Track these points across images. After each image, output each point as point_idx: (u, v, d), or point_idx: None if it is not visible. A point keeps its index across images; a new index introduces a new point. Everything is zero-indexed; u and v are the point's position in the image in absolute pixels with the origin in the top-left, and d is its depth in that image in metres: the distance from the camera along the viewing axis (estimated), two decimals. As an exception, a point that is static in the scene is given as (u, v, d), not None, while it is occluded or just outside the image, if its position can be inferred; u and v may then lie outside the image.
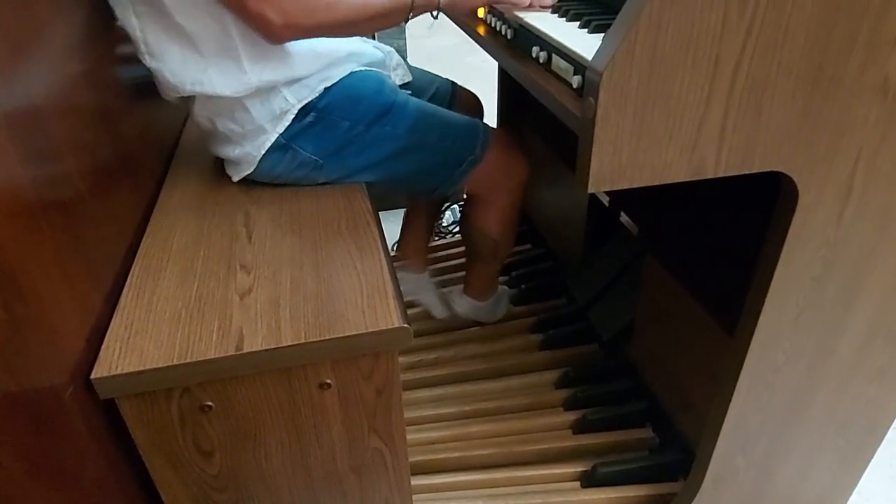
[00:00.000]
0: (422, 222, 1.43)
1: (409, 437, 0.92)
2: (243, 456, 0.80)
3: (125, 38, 0.93)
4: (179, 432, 0.75)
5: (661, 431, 1.22)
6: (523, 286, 1.64)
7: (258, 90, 0.94)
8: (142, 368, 0.69)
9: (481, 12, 1.00)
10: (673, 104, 0.57)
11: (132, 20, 0.90)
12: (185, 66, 0.91)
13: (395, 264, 1.42)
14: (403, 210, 1.49)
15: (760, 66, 0.57)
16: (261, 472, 0.82)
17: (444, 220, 2.03)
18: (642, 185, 0.62)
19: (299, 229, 0.93)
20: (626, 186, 0.61)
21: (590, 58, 0.60)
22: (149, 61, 0.92)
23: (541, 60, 0.76)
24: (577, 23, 0.81)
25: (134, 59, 0.94)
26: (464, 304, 1.43)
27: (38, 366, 0.61)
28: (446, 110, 1.12)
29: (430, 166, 1.08)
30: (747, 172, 0.63)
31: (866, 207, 0.71)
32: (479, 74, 2.81)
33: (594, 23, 0.78)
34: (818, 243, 0.73)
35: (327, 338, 0.73)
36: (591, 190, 0.61)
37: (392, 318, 0.75)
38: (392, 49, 1.17)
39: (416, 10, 0.93)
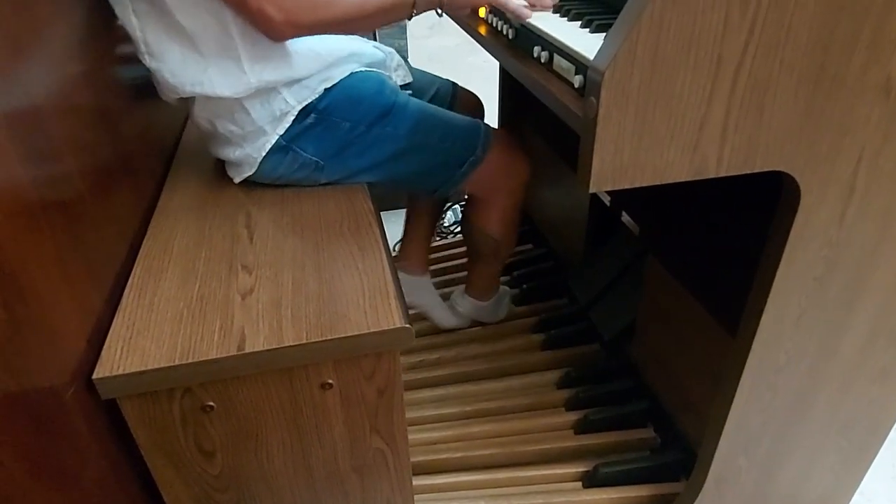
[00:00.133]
0: (423, 224, 1.42)
1: (410, 437, 0.92)
2: (245, 456, 0.80)
3: (125, 37, 0.93)
4: (181, 432, 0.75)
5: (663, 431, 1.22)
6: (525, 286, 1.64)
7: (258, 91, 0.94)
8: (143, 368, 0.69)
9: (483, 12, 1.00)
10: (675, 104, 0.57)
11: (132, 19, 0.90)
12: (185, 66, 0.91)
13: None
14: (402, 210, 1.48)
15: (762, 65, 0.57)
16: (262, 472, 0.82)
17: (445, 221, 2.03)
18: (644, 184, 0.62)
19: (301, 230, 0.93)
20: (627, 186, 0.61)
21: (591, 57, 0.59)
22: (149, 61, 0.92)
23: (542, 60, 0.76)
24: (579, 22, 0.81)
25: (134, 60, 0.94)
26: (466, 304, 1.43)
27: (39, 366, 0.61)
28: (447, 111, 1.12)
29: (431, 167, 1.08)
30: (749, 172, 0.63)
31: (869, 207, 0.71)
32: (481, 74, 2.81)
33: (596, 22, 0.78)
34: (820, 243, 0.72)
35: (329, 338, 0.73)
36: (592, 189, 0.61)
37: (394, 319, 0.75)
38: (393, 50, 1.17)
39: (418, 8, 0.92)
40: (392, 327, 0.74)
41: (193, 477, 0.80)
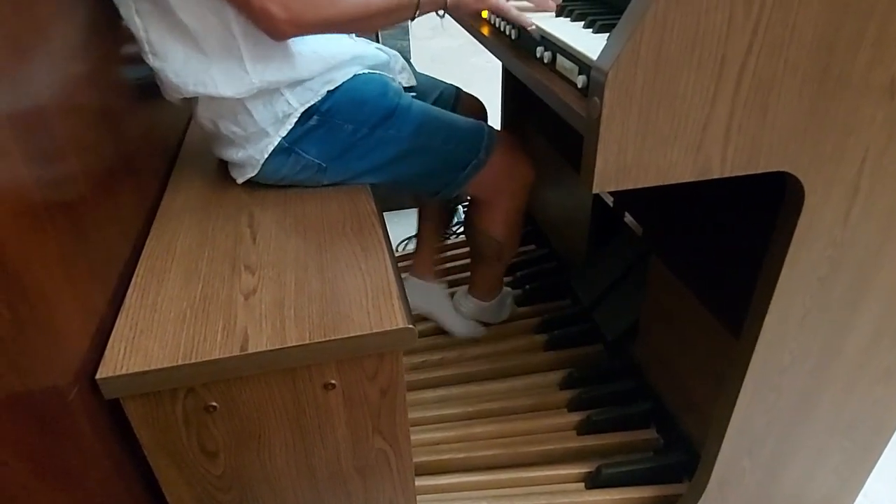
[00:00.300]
0: (432, 231, 1.42)
1: (413, 437, 0.92)
2: (248, 456, 0.80)
3: (128, 37, 0.93)
4: (184, 432, 0.75)
5: (666, 432, 1.21)
6: (527, 286, 1.64)
7: (260, 92, 0.94)
8: (146, 368, 0.69)
9: (485, 13, 1.00)
10: (678, 104, 0.57)
11: (135, 19, 0.90)
12: (188, 66, 0.91)
13: (408, 275, 1.43)
14: (405, 211, 1.48)
15: (766, 65, 0.56)
16: (265, 472, 0.82)
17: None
18: (647, 185, 0.62)
19: (304, 230, 0.93)
20: (630, 186, 0.61)
21: (594, 58, 0.59)
22: (152, 61, 0.92)
23: (545, 60, 0.76)
24: (582, 23, 0.81)
25: (137, 59, 0.94)
26: (469, 305, 1.43)
27: (42, 366, 0.61)
28: (450, 113, 1.11)
29: (434, 169, 1.08)
30: (753, 173, 0.63)
31: (873, 207, 0.70)
32: (483, 75, 2.81)
33: (599, 23, 0.78)
34: (824, 243, 0.72)
35: (332, 338, 0.73)
36: (595, 190, 0.61)
37: (397, 319, 0.75)
38: (397, 53, 1.17)
39: (422, 9, 0.92)
40: (395, 328, 0.74)
41: (196, 477, 0.80)
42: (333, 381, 0.77)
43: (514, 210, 1.21)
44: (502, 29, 0.92)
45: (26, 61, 0.67)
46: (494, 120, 1.44)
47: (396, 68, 1.15)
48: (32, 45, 0.69)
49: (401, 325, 0.74)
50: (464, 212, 1.70)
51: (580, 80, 0.66)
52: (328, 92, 0.98)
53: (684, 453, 1.15)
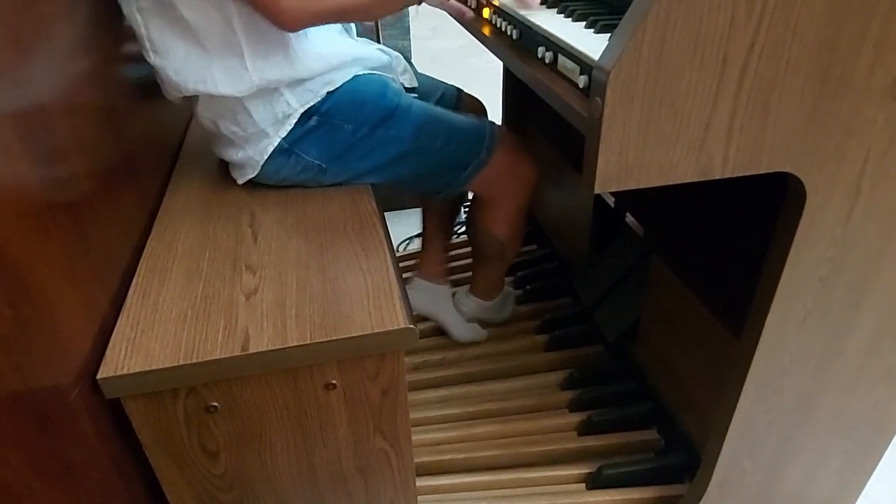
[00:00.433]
0: (438, 232, 1.41)
1: (414, 437, 0.92)
2: (248, 456, 0.80)
3: (130, 36, 0.93)
4: (185, 432, 0.75)
5: (667, 433, 1.21)
6: (528, 287, 1.64)
7: (259, 91, 0.94)
8: (148, 368, 0.69)
9: (486, 13, 1.00)
10: (680, 103, 0.57)
11: (136, 16, 0.90)
12: (189, 63, 0.91)
13: (414, 276, 1.42)
14: (406, 211, 1.48)
15: (768, 65, 0.56)
16: (266, 472, 0.82)
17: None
18: (649, 185, 0.62)
19: (305, 230, 0.93)
20: (632, 187, 0.61)
21: (596, 58, 0.59)
22: (153, 58, 0.92)
23: (546, 60, 0.76)
24: (583, 23, 0.81)
25: (139, 59, 0.94)
26: (470, 304, 1.43)
27: (44, 365, 0.61)
28: (452, 112, 1.11)
29: (435, 169, 1.08)
30: (755, 173, 0.63)
31: (875, 208, 0.70)
32: (483, 75, 2.81)
33: (600, 23, 0.78)
34: (826, 244, 0.72)
35: (333, 338, 0.73)
36: (597, 190, 0.61)
37: (398, 319, 0.75)
38: (399, 54, 1.17)
39: None
40: (396, 328, 0.74)
41: (197, 477, 0.80)
42: (334, 381, 0.77)
43: (517, 209, 1.21)
44: (503, 29, 0.92)
45: (28, 60, 0.67)
46: (495, 121, 1.44)
47: (399, 69, 1.15)
48: (34, 44, 0.70)
49: (402, 326, 0.74)
50: (465, 212, 1.70)
51: (582, 81, 0.66)
52: (328, 93, 0.98)
53: (685, 454, 1.14)
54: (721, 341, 1.01)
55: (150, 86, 0.99)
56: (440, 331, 1.48)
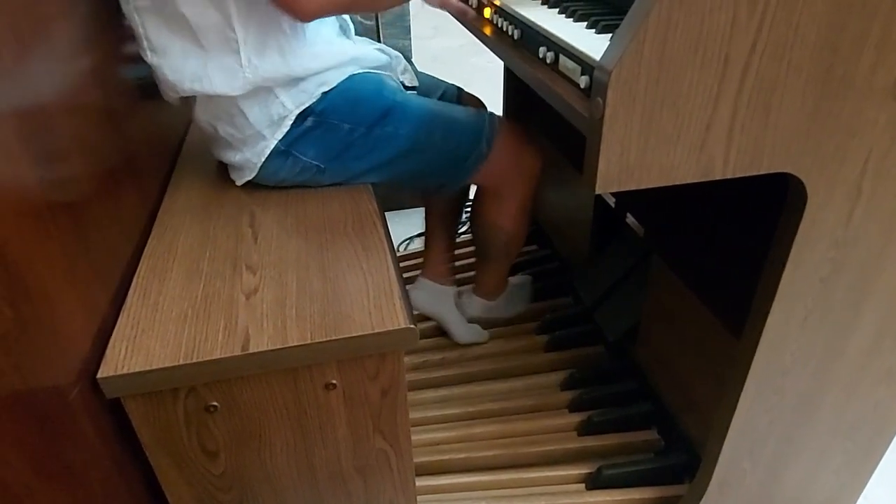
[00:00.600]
0: (441, 230, 1.39)
1: (414, 437, 0.92)
2: (248, 456, 0.80)
3: (130, 36, 0.93)
4: (185, 432, 0.75)
5: (667, 434, 1.21)
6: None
7: (254, 91, 0.93)
8: (148, 368, 0.69)
9: (488, 12, 1.00)
10: (681, 104, 0.57)
11: (134, 15, 0.90)
12: (186, 62, 0.91)
13: (419, 276, 1.42)
14: (407, 211, 1.47)
15: (770, 66, 0.56)
16: (265, 472, 0.82)
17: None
18: (650, 186, 0.62)
19: (305, 230, 0.93)
20: (633, 187, 0.61)
21: (597, 58, 0.59)
22: (150, 57, 0.92)
23: (548, 61, 0.76)
24: (585, 23, 0.81)
25: (139, 59, 0.94)
26: (474, 305, 1.42)
27: (44, 365, 0.61)
28: (449, 105, 1.10)
29: (436, 164, 1.07)
30: (756, 174, 0.63)
31: (875, 209, 0.70)
32: (484, 75, 2.81)
33: (602, 23, 0.78)
34: (827, 245, 0.72)
35: (333, 338, 0.73)
36: (598, 191, 0.61)
37: (398, 319, 0.75)
38: (399, 54, 1.17)
39: None
40: (396, 328, 0.74)
41: (197, 477, 0.80)
42: (334, 381, 0.76)
43: (522, 200, 1.19)
44: (504, 29, 0.92)
45: (29, 59, 0.67)
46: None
47: (399, 69, 1.15)
48: (35, 44, 0.69)
49: (402, 326, 0.74)
50: (467, 211, 1.70)
51: (583, 81, 0.66)
52: (323, 93, 0.97)
53: (685, 454, 1.14)
54: (721, 341, 1.01)
55: (151, 86, 0.99)
56: (441, 331, 1.48)
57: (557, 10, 0.89)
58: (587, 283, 1.54)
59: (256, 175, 1.02)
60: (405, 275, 1.63)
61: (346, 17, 1.10)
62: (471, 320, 1.46)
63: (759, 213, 0.89)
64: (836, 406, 0.92)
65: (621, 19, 0.56)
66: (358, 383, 0.78)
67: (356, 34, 1.14)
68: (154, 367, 0.69)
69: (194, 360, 0.70)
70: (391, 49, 1.15)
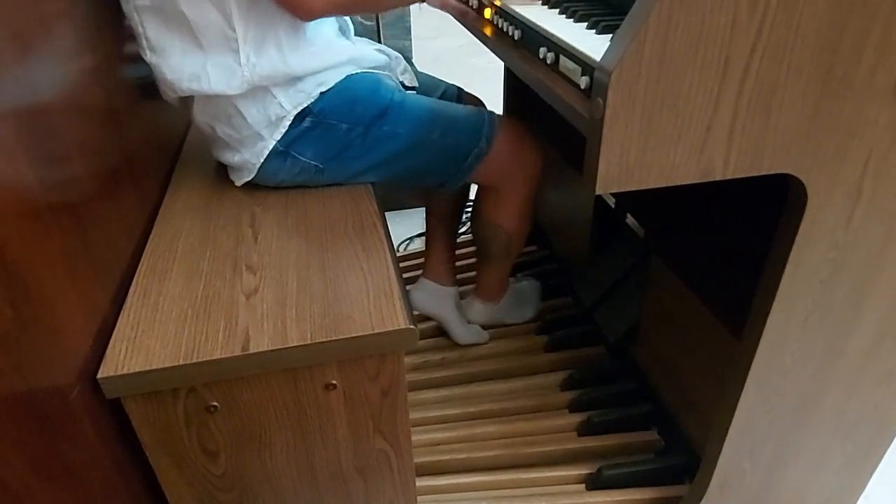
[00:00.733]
0: (442, 230, 1.39)
1: (414, 438, 0.92)
2: (248, 456, 0.80)
3: (131, 35, 0.93)
4: (185, 432, 0.75)
5: (667, 434, 1.21)
6: (519, 275, 1.63)
7: (252, 91, 0.93)
8: (148, 368, 0.69)
9: (488, 13, 1.00)
10: (682, 105, 0.57)
11: (133, 14, 0.91)
12: (184, 61, 0.91)
13: (421, 276, 1.42)
14: (407, 211, 1.46)
15: (770, 67, 0.56)
16: (266, 472, 0.82)
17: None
18: (650, 186, 0.62)
19: (305, 230, 0.93)
20: (633, 188, 0.61)
21: (598, 58, 0.59)
22: (149, 56, 0.93)
23: (548, 61, 0.76)
24: (585, 24, 0.81)
25: (140, 59, 0.94)
26: (476, 311, 1.41)
27: (44, 365, 0.61)
28: (447, 103, 1.09)
29: (435, 162, 1.07)
30: (756, 174, 0.63)
31: (876, 210, 0.70)
32: (484, 75, 2.81)
33: (602, 24, 0.78)
34: (827, 245, 0.72)
35: (333, 338, 0.73)
36: (598, 191, 0.61)
37: (398, 319, 0.75)
38: (399, 55, 1.17)
39: None
40: (396, 328, 0.74)
41: (197, 477, 0.80)
42: (334, 382, 0.76)
43: (524, 198, 1.18)
44: (505, 29, 0.92)
45: (29, 59, 0.67)
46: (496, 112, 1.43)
47: (399, 70, 1.15)
48: (36, 43, 0.69)
49: (402, 326, 0.74)
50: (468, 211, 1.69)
51: (583, 81, 0.66)
52: (321, 93, 0.97)
53: (685, 455, 1.14)
54: (721, 342, 1.01)
55: (152, 86, 0.99)
56: (441, 331, 1.48)
57: (558, 10, 0.89)
58: (587, 283, 1.54)
59: (255, 176, 1.02)
60: (405, 275, 1.63)
61: (346, 17, 1.10)
62: (483, 326, 1.45)
63: (760, 213, 0.89)
64: (836, 406, 0.92)
65: (622, 20, 0.56)
66: (358, 383, 0.78)
67: (356, 34, 1.14)
68: (154, 367, 0.69)
69: (194, 361, 0.70)
70: (391, 49, 1.14)
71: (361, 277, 0.82)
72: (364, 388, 0.78)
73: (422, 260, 1.46)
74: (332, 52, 0.99)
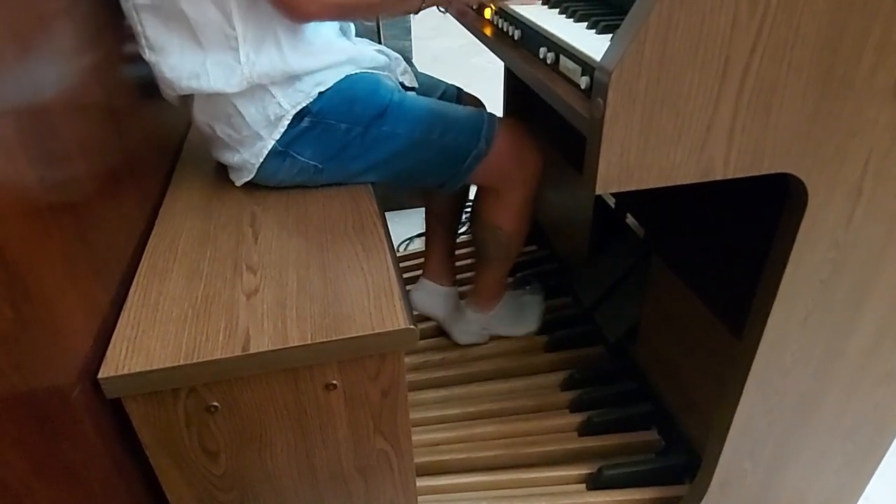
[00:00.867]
0: (441, 231, 1.39)
1: (414, 438, 0.92)
2: (249, 456, 0.80)
3: (130, 35, 0.93)
4: (185, 432, 0.75)
5: (667, 434, 1.21)
6: (528, 287, 1.64)
7: (251, 90, 0.93)
8: (148, 368, 0.69)
9: (488, 13, 1.00)
10: (682, 104, 0.57)
11: (132, 13, 0.91)
12: (184, 59, 0.92)
13: (421, 277, 1.41)
14: (407, 211, 1.46)
15: (770, 66, 0.56)
16: (266, 472, 0.82)
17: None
18: (650, 186, 0.62)
19: (305, 230, 0.93)
20: (634, 188, 0.61)
21: (598, 58, 0.59)
22: (148, 55, 0.93)
23: (548, 61, 0.76)
24: (585, 23, 0.81)
25: (140, 58, 0.94)
26: (472, 319, 1.39)
27: (45, 365, 0.61)
28: (446, 104, 1.09)
29: (434, 163, 1.06)
30: (756, 174, 0.63)
31: (876, 210, 0.70)
32: (484, 75, 2.81)
33: (602, 23, 0.78)
34: (827, 245, 0.72)
35: (333, 339, 0.73)
36: (598, 191, 0.61)
37: (398, 319, 0.75)
38: (399, 56, 1.16)
39: (427, 1, 0.95)
40: (396, 328, 0.74)
41: (197, 477, 0.80)
42: (335, 382, 0.76)
43: (523, 200, 1.17)
44: (505, 30, 0.92)
45: (30, 58, 0.67)
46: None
47: (398, 70, 1.15)
48: (36, 42, 0.69)
49: (402, 326, 0.74)
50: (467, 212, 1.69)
51: (583, 81, 0.66)
52: (319, 93, 0.97)
53: (685, 455, 1.15)
54: (722, 342, 1.01)
55: (152, 85, 0.99)
56: (441, 331, 1.48)
57: (558, 10, 0.89)
58: (587, 283, 1.54)
59: (255, 176, 1.02)
60: (405, 275, 1.63)
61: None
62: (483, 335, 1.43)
63: (760, 213, 0.89)
64: (836, 406, 0.92)
65: (622, 19, 0.56)
66: (358, 384, 0.78)
67: (356, 35, 1.14)
68: (154, 367, 0.69)
69: (195, 361, 0.70)
70: (390, 50, 1.14)
71: (361, 277, 0.82)
72: (364, 388, 0.78)
73: (422, 260, 1.46)
74: (332, 51, 0.99)
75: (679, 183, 0.62)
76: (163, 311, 0.77)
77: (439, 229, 1.39)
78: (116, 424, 0.73)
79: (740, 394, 0.84)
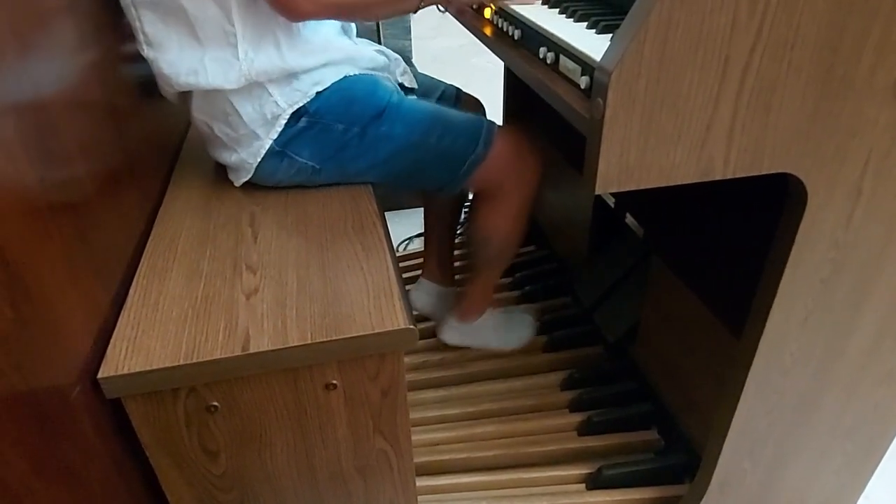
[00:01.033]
0: (439, 230, 1.38)
1: (414, 437, 0.92)
2: (249, 456, 0.80)
3: (130, 33, 0.93)
4: (185, 432, 0.75)
5: (667, 434, 1.21)
6: (528, 287, 1.64)
7: (249, 87, 0.93)
8: (148, 368, 0.69)
9: (488, 13, 1.00)
10: (682, 104, 0.57)
11: (130, 9, 0.91)
12: (182, 55, 0.92)
13: (420, 277, 1.41)
14: (406, 211, 1.46)
15: (770, 66, 0.56)
16: (266, 472, 0.82)
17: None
18: (650, 186, 0.62)
19: (305, 230, 0.93)
20: (633, 188, 0.61)
21: (598, 58, 0.59)
22: (146, 51, 0.93)
23: (548, 61, 0.76)
24: (585, 23, 0.81)
25: (140, 57, 0.94)
26: (453, 331, 1.34)
27: (45, 365, 0.61)
28: (445, 108, 1.09)
29: (431, 166, 1.06)
30: (756, 174, 0.63)
31: (876, 210, 0.70)
32: (484, 75, 2.81)
33: (602, 23, 0.78)
34: (827, 245, 0.72)
35: (333, 338, 0.73)
36: (598, 191, 0.61)
37: (398, 319, 0.75)
38: (398, 56, 1.16)
39: (425, 1, 0.95)
40: (396, 328, 0.74)
41: (197, 477, 0.80)
42: (335, 382, 0.76)
43: (519, 206, 1.15)
44: (505, 29, 0.92)
45: (30, 57, 0.67)
46: (495, 121, 1.44)
47: (398, 71, 1.15)
48: (36, 41, 0.69)
49: (402, 326, 0.74)
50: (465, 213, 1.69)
51: (583, 81, 0.66)
52: (317, 93, 0.97)
53: (685, 454, 1.15)
54: (721, 341, 1.01)
55: (152, 84, 0.99)
56: (440, 331, 1.47)
57: (558, 10, 0.89)
58: (586, 283, 1.54)
59: (253, 176, 1.02)
60: (405, 275, 1.63)
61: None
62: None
63: (760, 213, 0.89)
64: (835, 407, 0.92)
65: (622, 19, 0.56)
66: (358, 383, 0.78)
67: (356, 35, 1.14)
68: (154, 367, 0.69)
69: (194, 361, 0.70)
70: (390, 51, 1.14)
71: (361, 277, 0.82)
72: (364, 387, 0.78)
73: (421, 260, 1.46)
74: (331, 50, 0.99)
75: (679, 183, 0.62)
76: (162, 310, 0.77)
77: (438, 229, 1.39)
78: (116, 424, 0.73)
79: (740, 394, 0.84)
